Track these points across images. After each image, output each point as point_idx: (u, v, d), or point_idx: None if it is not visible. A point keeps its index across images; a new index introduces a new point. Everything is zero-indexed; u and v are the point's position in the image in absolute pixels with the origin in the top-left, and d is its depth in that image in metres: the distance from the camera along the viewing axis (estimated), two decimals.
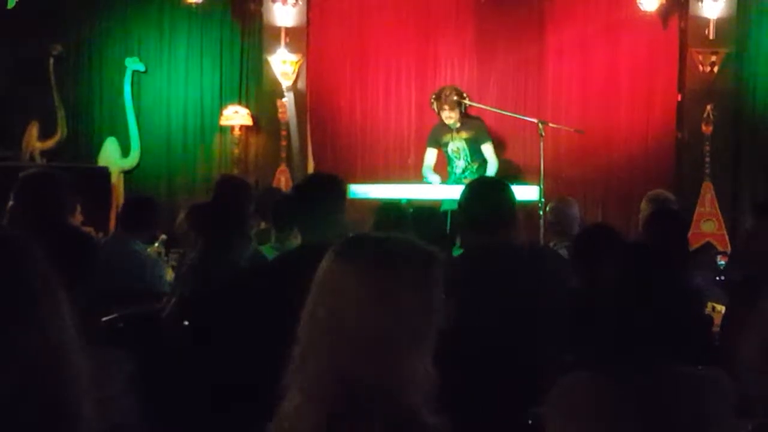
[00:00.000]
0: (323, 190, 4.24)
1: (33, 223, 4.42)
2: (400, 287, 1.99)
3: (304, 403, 2.01)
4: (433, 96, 9.20)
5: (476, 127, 9.13)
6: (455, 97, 8.94)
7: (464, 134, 9.06)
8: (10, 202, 4.91)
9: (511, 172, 9.78)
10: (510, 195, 4.04)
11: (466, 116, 9.14)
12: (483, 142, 9.07)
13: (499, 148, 9.93)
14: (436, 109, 9.12)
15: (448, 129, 9.08)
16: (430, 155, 9.23)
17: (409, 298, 1.99)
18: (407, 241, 2.09)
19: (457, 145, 9.05)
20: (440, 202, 8.19)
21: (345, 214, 4.26)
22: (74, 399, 1.57)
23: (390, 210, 5.86)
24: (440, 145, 9.16)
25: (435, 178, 8.94)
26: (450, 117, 8.98)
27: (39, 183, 4.95)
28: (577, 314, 3.84)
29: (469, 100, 9.15)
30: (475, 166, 9.02)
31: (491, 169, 8.99)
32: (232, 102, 10.61)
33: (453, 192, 8.07)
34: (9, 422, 1.49)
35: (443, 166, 9.26)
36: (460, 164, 9.07)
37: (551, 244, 6.66)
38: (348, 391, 1.95)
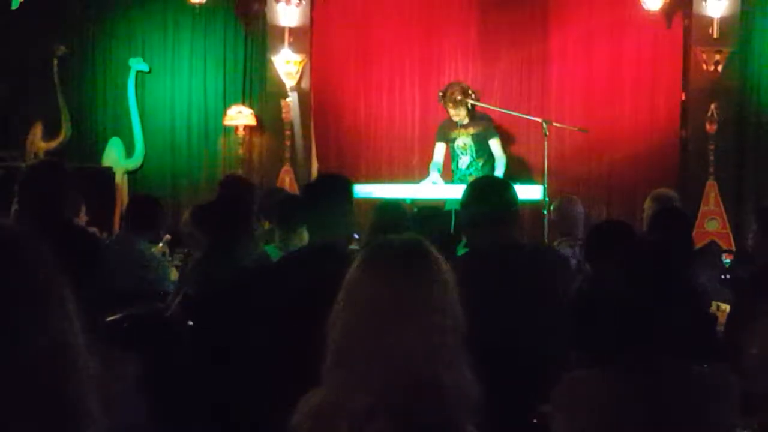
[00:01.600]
0: (333, 190, 4.24)
1: (38, 219, 4.42)
2: (431, 292, 2.02)
3: (337, 402, 2.02)
4: (440, 93, 9.19)
5: (483, 123, 9.12)
6: (459, 96, 8.93)
7: (471, 130, 9.05)
8: (16, 197, 4.90)
9: (515, 171, 9.77)
10: (512, 194, 4.04)
11: (474, 113, 9.12)
12: (490, 137, 9.06)
13: (504, 147, 9.92)
14: (443, 106, 9.13)
15: (455, 125, 9.08)
16: (439, 150, 9.20)
17: (438, 302, 2.02)
18: (425, 243, 2.14)
19: (464, 140, 9.05)
20: (444, 202, 8.19)
21: (353, 215, 4.27)
22: (81, 398, 1.57)
23: (388, 210, 5.84)
24: (447, 140, 9.15)
25: (431, 177, 8.91)
26: (456, 114, 8.99)
27: (42, 174, 4.93)
28: (581, 312, 3.85)
29: (476, 96, 9.12)
30: (480, 163, 9.01)
31: (500, 164, 8.98)
32: (236, 102, 10.61)
33: (456, 191, 8.07)
34: (16, 422, 1.49)
35: (447, 163, 9.24)
36: (465, 160, 9.05)
37: (555, 243, 6.65)
38: (381, 396, 1.96)
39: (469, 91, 9.08)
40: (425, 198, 8.32)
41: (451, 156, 9.19)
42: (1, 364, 1.49)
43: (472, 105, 9.03)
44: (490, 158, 9.05)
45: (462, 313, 2.07)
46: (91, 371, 1.60)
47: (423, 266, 2.07)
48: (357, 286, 2.08)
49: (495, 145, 9.07)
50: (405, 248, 2.13)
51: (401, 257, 2.09)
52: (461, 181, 8.74)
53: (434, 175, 8.94)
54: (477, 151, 9.04)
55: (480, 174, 8.69)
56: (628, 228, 4.72)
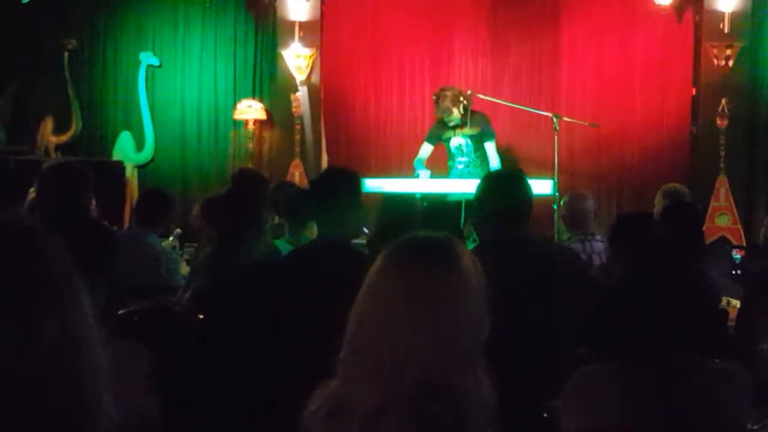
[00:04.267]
0: (340, 184, 4.25)
1: (55, 215, 4.45)
2: (451, 294, 2.01)
3: (349, 397, 2.01)
4: (434, 97, 9.05)
5: (480, 124, 8.92)
6: (448, 103, 8.76)
7: (467, 131, 8.93)
8: (32, 193, 4.93)
9: (525, 166, 9.76)
10: (527, 188, 4.04)
11: (470, 112, 9.00)
12: (486, 139, 8.93)
13: (514, 142, 9.95)
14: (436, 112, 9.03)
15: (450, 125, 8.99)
16: (426, 149, 9.11)
17: (458, 305, 2.01)
18: (454, 243, 2.12)
19: (459, 141, 8.92)
20: (445, 197, 8.16)
21: (361, 209, 4.27)
22: (94, 391, 1.58)
23: (395, 203, 5.79)
24: (441, 140, 9.07)
25: (424, 173, 8.85)
26: (450, 120, 8.87)
27: (62, 174, 4.97)
28: (591, 308, 3.85)
29: (470, 99, 8.96)
30: (478, 163, 8.94)
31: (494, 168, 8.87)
32: (246, 96, 10.61)
33: (461, 186, 8.04)
34: (31, 415, 1.50)
35: (443, 161, 9.19)
36: (462, 160, 8.96)
37: (565, 238, 6.64)
38: (390, 393, 1.96)
39: (460, 98, 8.89)
40: (434, 193, 8.29)
41: (447, 155, 9.11)
42: (16, 358, 1.49)
43: (466, 106, 8.91)
44: (486, 159, 8.96)
45: (485, 317, 2.05)
46: (106, 365, 1.61)
47: (446, 266, 2.04)
48: (377, 281, 2.07)
49: (490, 148, 8.91)
50: (430, 246, 2.10)
51: (424, 256, 2.07)
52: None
53: (424, 171, 8.84)
54: (474, 152, 8.93)
55: (476, 174, 8.63)
56: (650, 221, 4.74)
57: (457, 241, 2.14)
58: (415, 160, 9.09)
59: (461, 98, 8.85)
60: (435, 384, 1.96)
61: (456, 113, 8.80)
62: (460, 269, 2.05)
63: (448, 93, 8.89)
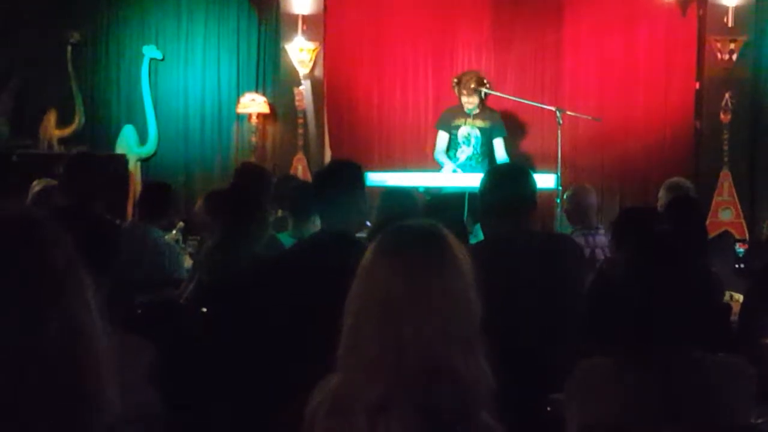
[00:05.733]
0: (343, 177, 4.24)
1: (60, 207, 4.46)
2: (446, 280, 2.01)
3: (352, 390, 2.01)
4: (455, 80, 9.17)
5: (493, 119, 9.06)
6: (473, 84, 8.90)
7: (480, 122, 9.00)
8: (35, 186, 4.94)
9: (528, 160, 9.77)
10: (532, 182, 4.04)
11: (484, 105, 9.10)
12: (497, 135, 9.00)
13: (517, 136, 9.93)
14: (457, 93, 9.10)
15: (462, 113, 9.03)
16: (443, 139, 9.14)
17: (454, 290, 2.01)
18: (441, 229, 2.12)
19: (468, 131, 8.97)
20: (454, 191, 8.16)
21: (365, 202, 4.27)
22: (98, 385, 1.58)
23: (395, 196, 5.79)
24: (450, 129, 9.10)
25: (449, 165, 8.89)
26: (469, 103, 8.94)
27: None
28: (593, 302, 3.85)
29: (489, 87, 9.10)
30: (481, 158, 8.96)
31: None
32: (249, 90, 10.61)
33: (465, 180, 8.05)
34: (34, 407, 1.50)
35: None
36: (466, 151, 8.97)
37: (569, 232, 6.64)
38: (394, 384, 1.96)
39: (484, 81, 9.05)
40: (438, 186, 8.29)
41: (448, 145, 9.13)
42: (18, 350, 1.50)
43: (484, 96, 9.01)
44: (490, 154, 8.99)
45: (479, 301, 2.06)
46: (109, 357, 1.61)
47: (439, 253, 2.05)
48: (371, 272, 2.07)
49: (499, 144, 9.00)
50: (421, 234, 2.10)
51: (417, 243, 2.07)
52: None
53: (449, 164, 8.90)
54: (482, 145, 8.98)
55: (478, 168, 8.65)
56: (653, 215, 4.74)
57: (445, 229, 2.14)
58: (435, 153, 9.11)
59: (485, 82, 8.95)
60: (440, 371, 1.96)
61: (476, 97, 8.86)
62: (450, 255, 2.07)
63: (473, 74, 8.98)
